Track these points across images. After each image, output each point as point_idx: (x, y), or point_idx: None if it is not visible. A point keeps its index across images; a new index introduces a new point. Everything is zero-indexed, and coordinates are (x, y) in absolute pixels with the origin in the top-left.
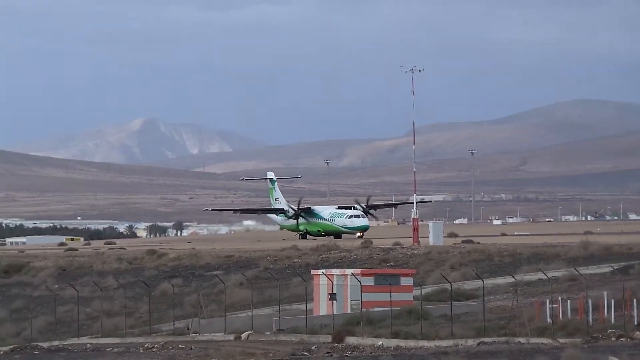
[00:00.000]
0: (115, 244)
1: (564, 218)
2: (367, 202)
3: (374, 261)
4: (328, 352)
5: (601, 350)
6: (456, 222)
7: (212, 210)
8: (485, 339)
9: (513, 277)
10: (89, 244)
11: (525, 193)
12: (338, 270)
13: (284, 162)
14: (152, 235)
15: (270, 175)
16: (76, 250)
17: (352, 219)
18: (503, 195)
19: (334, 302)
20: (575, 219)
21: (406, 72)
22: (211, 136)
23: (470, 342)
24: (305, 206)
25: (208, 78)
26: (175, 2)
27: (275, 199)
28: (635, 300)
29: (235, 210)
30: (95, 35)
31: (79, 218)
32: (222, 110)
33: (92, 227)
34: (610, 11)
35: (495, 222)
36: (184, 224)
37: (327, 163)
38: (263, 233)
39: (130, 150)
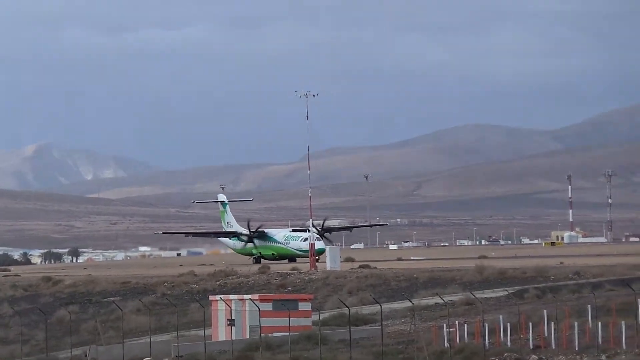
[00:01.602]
0: (9, 270)
1: (458, 242)
2: (322, 225)
3: (272, 286)
4: None
5: None
6: (353, 246)
7: (163, 233)
8: None
9: (410, 301)
10: None
11: (420, 217)
12: (236, 295)
13: (180, 187)
14: (47, 262)
15: (222, 197)
16: None
17: (308, 242)
18: (398, 219)
19: (233, 327)
20: (469, 243)
21: (300, 96)
22: (105, 161)
23: None
24: (259, 230)
25: (102, 103)
26: (69, 27)
27: (227, 222)
28: (530, 324)
29: (187, 234)
30: None
31: None
32: (117, 135)
33: None
34: (500, 38)
35: (392, 247)
36: (80, 250)
37: (223, 188)
38: (159, 259)
39: (23, 176)
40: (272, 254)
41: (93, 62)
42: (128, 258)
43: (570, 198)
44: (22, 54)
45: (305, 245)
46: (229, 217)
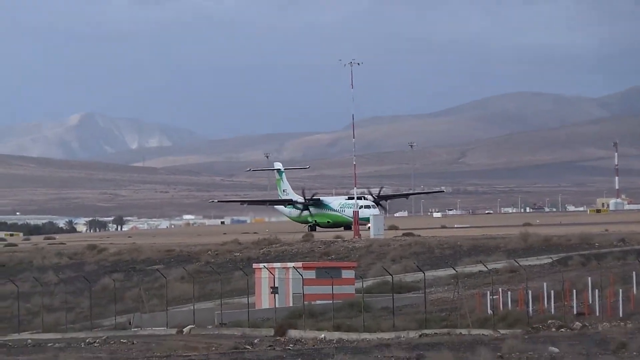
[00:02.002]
0: (54, 239)
1: (503, 210)
2: (379, 193)
3: (315, 254)
4: (270, 346)
5: (541, 340)
6: (397, 214)
7: (218, 201)
8: (427, 331)
9: (454, 269)
10: (28, 240)
11: (464, 185)
12: (279, 263)
13: (225, 155)
14: (92, 230)
15: (278, 165)
16: (15, 245)
17: (362, 209)
18: (443, 187)
19: (276, 295)
20: (514, 210)
21: (345, 65)
22: (150, 130)
23: (412, 334)
24: (315, 197)
25: (146, 72)
26: None
27: (283, 190)
28: (574, 291)
29: (242, 202)
30: (31, 29)
31: (17, 213)
32: (162, 104)
33: (31, 222)
34: (545, 7)
35: (436, 215)
36: (124, 218)
37: (267, 157)
38: (203, 227)
39: (68, 145)
40: (328, 222)
41: (136, 31)
42: (172, 226)
43: (617, 165)
44: (65, 24)
45: (360, 213)
46: (285, 184)
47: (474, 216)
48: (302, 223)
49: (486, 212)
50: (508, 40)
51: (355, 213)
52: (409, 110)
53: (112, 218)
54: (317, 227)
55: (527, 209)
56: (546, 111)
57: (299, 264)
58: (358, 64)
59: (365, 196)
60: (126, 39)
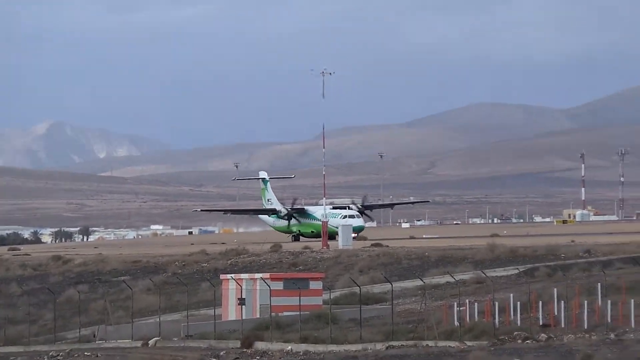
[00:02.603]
0: (19, 250)
1: (471, 221)
2: (363, 203)
3: (284, 265)
4: (237, 358)
5: (507, 352)
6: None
7: (201, 210)
8: (394, 343)
9: (421, 280)
10: None
11: (433, 196)
12: (247, 274)
13: (193, 165)
14: (57, 241)
15: (263, 174)
16: None
17: (347, 219)
18: (412, 198)
19: (243, 307)
20: (482, 221)
21: (316, 75)
22: (119, 140)
23: (379, 345)
24: (299, 206)
25: (114, 82)
26: (80, 5)
27: (268, 200)
28: (540, 302)
29: (225, 211)
30: None
31: None
32: (130, 114)
33: None
34: (514, 18)
35: (404, 225)
36: (91, 229)
37: (237, 166)
38: (171, 238)
39: (35, 155)
40: (312, 232)
41: (104, 41)
42: (139, 237)
43: (583, 176)
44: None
45: (344, 223)
46: (270, 194)
47: (442, 227)
48: (285, 233)
49: (454, 222)
50: (477, 51)
51: (325, 224)
52: (378, 121)
53: (78, 228)
54: (301, 237)
55: (495, 220)
56: (515, 122)
57: (267, 275)
58: (330, 73)
59: (350, 206)
60: (95, 47)
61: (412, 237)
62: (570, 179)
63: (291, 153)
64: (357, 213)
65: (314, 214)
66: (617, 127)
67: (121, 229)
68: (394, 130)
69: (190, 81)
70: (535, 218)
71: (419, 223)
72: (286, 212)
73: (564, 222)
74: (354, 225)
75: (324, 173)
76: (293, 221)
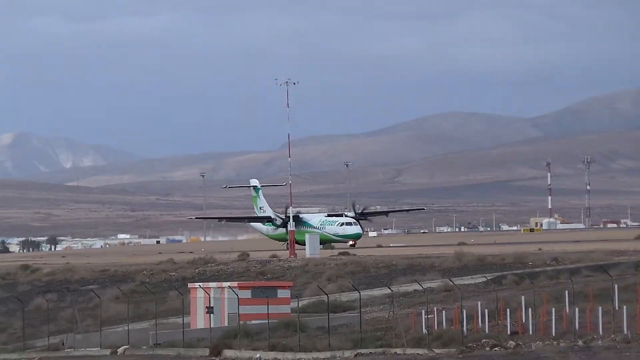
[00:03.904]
0: None
1: (438, 229)
2: (361, 210)
3: (251, 274)
4: None
5: (476, 359)
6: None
7: (196, 218)
8: (362, 351)
9: (389, 288)
10: None
11: (400, 205)
12: (215, 283)
13: (160, 175)
14: (25, 250)
15: (254, 182)
16: None
17: (344, 226)
18: (378, 206)
19: (211, 315)
20: (449, 230)
21: (281, 84)
22: (85, 150)
23: (348, 353)
24: (294, 214)
25: (80, 92)
26: (41, 15)
27: (260, 208)
28: (508, 310)
29: (220, 219)
30: None
31: None
32: (96, 124)
33: None
34: (480, 28)
35: (371, 234)
36: (58, 238)
37: (203, 176)
38: (138, 247)
39: (1, 165)
40: None
41: (69, 51)
42: (107, 246)
43: (549, 185)
44: None
45: (340, 230)
46: (262, 202)
47: (409, 235)
48: (279, 240)
49: (421, 231)
50: (443, 61)
51: (292, 232)
52: (344, 130)
53: (45, 238)
54: (296, 244)
55: (462, 228)
56: (481, 131)
57: (235, 284)
58: (294, 83)
59: (345, 213)
60: (60, 57)
61: (379, 246)
62: (537, 187)
63: (257, 162)
64: (354, 220)
65: (309, 222)
66: (582, 135)
67: (88, 238)
68: (359, 139)
69: (154, 91)
70: (502, 226)
71: (386, 232)
72: (282, 220)
73: (531, 230)
74: (351, 232)
75: (290, 182)
76: (287, 229)
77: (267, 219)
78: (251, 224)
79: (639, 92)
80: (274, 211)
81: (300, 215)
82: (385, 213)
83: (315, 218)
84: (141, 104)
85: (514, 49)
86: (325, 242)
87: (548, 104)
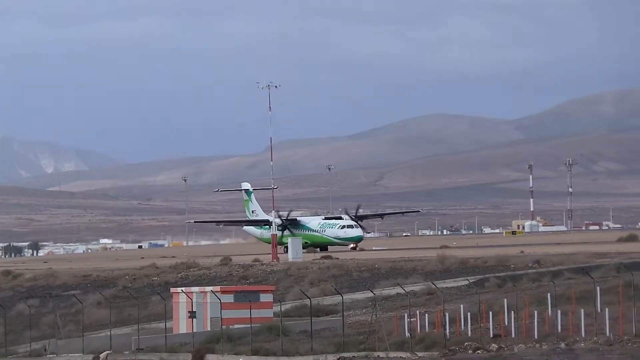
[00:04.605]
0: None
1: (420, 232)
2: (356, 212)
3: (234, 278)
4: None
5: None
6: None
7: (195, 222)
8: (345, 354)
9: (372, 292)
10: None
11: (382, 208)
12: (197, 287)
13: (142, 179)
14: (7, 256)
15: (246, 186)
16: None
17: (346, 229)
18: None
19: (194, 320)
20: (431, 233)
21: (262, 88)
22: (66, 155)
23: (330, 357)
24: (291, 217)
25: (61, 96)
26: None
27: (252, 211)
28: (490, 312)
29: (218, 222)
30: None
31: None
32: (78, 128)
33: None
34: (462, 30)
35: None
36: (40, 243)
37: (185, 180)
38: (121, 252)
39: None
40: (305, 243)
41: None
42: (89, 251)
43: (532, 187)
44: None
45: (342, 233)
46: (254, 205)
47: (391, 238)
48: (278, 245)
49: (404, 234)
50: (425, 62)
51: (273, 236)
52: (327, 133)
53: (27, 243)
54: None
55: (444, 232)
56: (463, 133)
57: (217, 288)
58: (275, 86)
59: (343, 216)
60: (41, 62)
61: (361, 249)
62: (519, 190)
63: (240, 166)
64: (355, 223)
65: (307, 225)
66: (564, 138)
67: (71, 244)
68: (342, 142)
69: (136, 95)
70: (484, 229)
71: (368, 235)
72: (281, 223)
73: (513, 233)
74: (353, 235)
75: (272, 186)
76: (286, 232)
77: (265, 223)
78: (244, 227)
79: (620, 94)
80: (301, 213)
81: (299, 219)
82: (381, 215)
83: (313, 221)
84: (123, 108)
85: (496, 52)
86: (324, 244)
87: (530, 106)
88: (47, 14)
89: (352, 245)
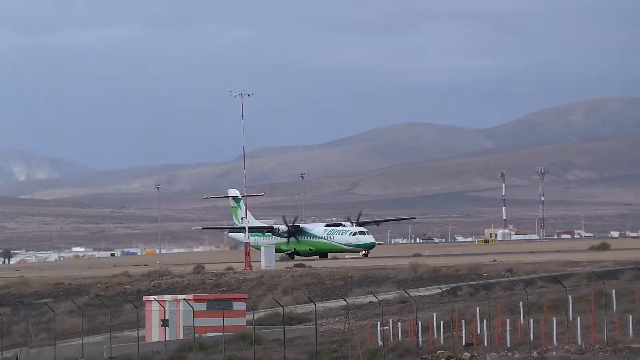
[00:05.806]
0: None
1: (393, 241)
2: (358, 219)
3: (207, 286)
4: None
5: None
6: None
7: (202, 229)
8: None
9: (345, 300)
10: None
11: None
12: (170, 296)
13: (114, 187)
14: None
15: (234, 192)
16: None
17: (358, 236)
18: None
19: (166, 328)
20: (404, 241)
21: (235, 96)
22: (39, 162)
23: None
24: (295, 224)
25: (32, 104)
26: None
27: (241, 218)
28: (463, 321)
29: (223, 229)
30: None
31: None
32: (49, 136)
33: None
34: (434, 38)
35: None
36: (12, 251)
37: (158, 188)
38: (93, 260)
39: None
40: (310, 249)
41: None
42: (61, 259)
43: (504, 196)
44: None
45: (354, 240)
46: (243, 212)
47: None
48: (279, 252)
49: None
50: (398, 71)
51: (247, 244)
52: (300, 141)
53: None
54: (295, 255)
55: (417, 240)
56: (436, 142)
57: (190, 296)
58: (248, 95)
59: (344, 223)
60: (12, 70)
61: (335, 258)
62: (491, 198)
63: (212, 174)
64: (367, 230)
65: (311, 232)
66: (536, 146)
67: (43, 252)
68: (315, 150)
69: (108, 102)
70: (457, 238)
71: None
72: (287, 229)
73: (486, 241)
74: (366, 242)
75: (245, 194)
76: (295, 239)
77: (268, 229)
78: (230, 234)
79: (590, 103)
80: (274, 221)
81: (302, 226)
82: (377, 222)
83: (317, 228)
84: (95, 116)
85: (468, 61)
86: (331, 251)
87: (502, 115)
88: (19, 23)
89: (363, 252)
